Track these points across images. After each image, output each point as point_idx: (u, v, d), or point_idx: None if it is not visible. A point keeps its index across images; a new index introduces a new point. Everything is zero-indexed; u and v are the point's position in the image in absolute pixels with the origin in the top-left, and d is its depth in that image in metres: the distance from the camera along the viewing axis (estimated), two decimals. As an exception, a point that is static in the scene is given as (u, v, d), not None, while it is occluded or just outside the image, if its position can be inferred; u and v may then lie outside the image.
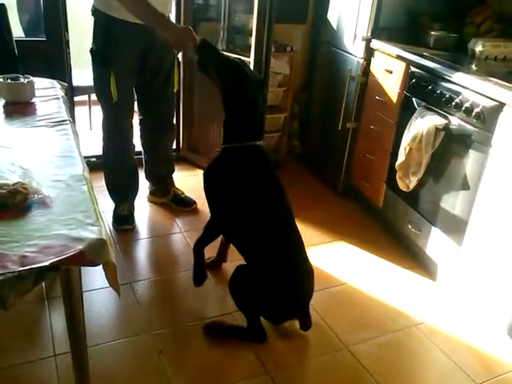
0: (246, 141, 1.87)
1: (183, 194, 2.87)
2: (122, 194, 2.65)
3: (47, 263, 1.04)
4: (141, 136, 2.70)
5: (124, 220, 2.60)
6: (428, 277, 2.41)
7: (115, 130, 2.50)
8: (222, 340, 1.93)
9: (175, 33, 2.08)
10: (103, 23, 2.24)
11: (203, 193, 1.99)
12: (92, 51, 2.31)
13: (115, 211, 2.63)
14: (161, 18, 2.08)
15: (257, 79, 1.98)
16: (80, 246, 1.10)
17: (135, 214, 2.69)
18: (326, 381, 1.80)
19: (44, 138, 1.68)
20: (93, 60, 2.33)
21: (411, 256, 2.54)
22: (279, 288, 1.83)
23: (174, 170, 2.89)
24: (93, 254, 1.10)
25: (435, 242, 2.34)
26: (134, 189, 2.68)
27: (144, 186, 2.86)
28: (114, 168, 2.58)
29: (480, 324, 2.10)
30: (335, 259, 2.49)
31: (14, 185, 1.29)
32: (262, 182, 1.91)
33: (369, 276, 2.39)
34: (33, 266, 1.04)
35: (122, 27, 2.21)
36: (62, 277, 1.26)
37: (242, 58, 2.82)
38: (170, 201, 2.84)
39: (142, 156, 2.78)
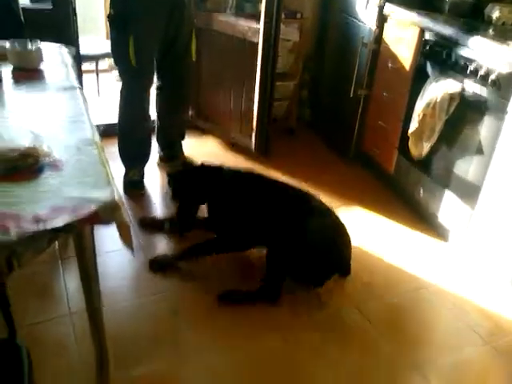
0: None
1: (191, 161, 2.86)
2: (135, 160, 2.65)
3: (61, 223, 1.04)
4: (156, 103, 2.70)
5: (135, 185, 2.61)
6: (440, 240, 2.42)
7: (133, 97, 2.48)
8: (236, 305, 1.94)
9: None
10: None
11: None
12: (110, 16, 2.29)
13: (126, 176, 2.62)
14: None
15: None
16: (93, 206, 1.09)
17: (145, 178, 2.69)
18: (335, 339, 1.82)
19: (53, 102, 1.67)
20: (111, 25, 2.32)
21: (423, 220, 2.54)
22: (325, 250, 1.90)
23: (184, 138, 2.90)
24: (106, 213, 1.09)
25: (447, 207, 2.33)
26: (146, 155, 2.68)
27: (154, 150, 2.84)
28: (129, 135, 2.57)
29: (491, 285, 2.11)
30: (347, 223, 2.47)
31: (24, 148, 1.29)
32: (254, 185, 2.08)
33: (380, 239, 2.40)
34: (47, 226, 1.04)
35: None
36: (76, 237, 1.27)
37: (252, 25, 2.81)
38: (159, 160, 2.86)
39: (156, 122, 2.77)
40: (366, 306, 1.97)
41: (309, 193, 2.07)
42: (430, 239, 2.43)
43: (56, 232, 1.04)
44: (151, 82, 2.51)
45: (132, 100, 2.47)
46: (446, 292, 2.08)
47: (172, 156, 2.85)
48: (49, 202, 1.12)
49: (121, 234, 1.14)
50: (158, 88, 2.64)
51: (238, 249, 2.13)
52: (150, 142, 2.68)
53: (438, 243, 2.40)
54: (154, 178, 2.79)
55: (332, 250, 1.93)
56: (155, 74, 2.55)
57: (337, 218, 2.03)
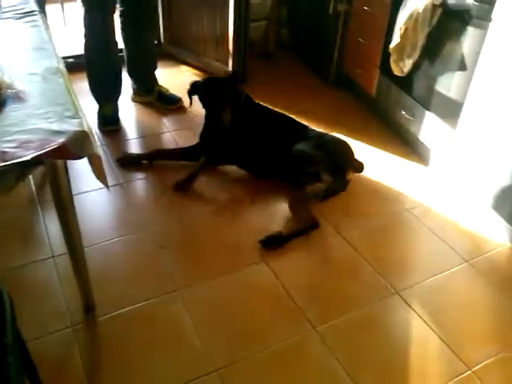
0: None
1: (168, 91, 2.77)
2: (106, 93, 2.54)
3: (28, 157, 1.00)
4: (122, 29, 2.54)
5: (109, 120, 2.52)
6: (421, 162, 2.42)
7: (96, 24, 2.33)
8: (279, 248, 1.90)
9: None
10: None
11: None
12: None
13: (99, 112, 2.53)
14: None
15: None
16: (61, 139, 1.05)
17: (120, 115, 2.60)
18: (322, 265, 1.85)
19: (12, 30, 1.57)
20: None
21: (404, 143, 2.52)
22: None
23: (156, 67, 2.76)
24: (75, 146, 1.05)
25: (429, 127, 2.31)
26: (117, 87, 2.57)
27: (127, 85, 2.74)
28: (97, 64, 2.44)
29: (472, 205, 2.14)
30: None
31: (-16, 80, 1.21)
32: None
33: (364, 164, 2.38)
34: (14, 161, 1.00)
35: None
36: (50, 176, 1.23)
37: None
38: (155, 99, 2.74)
39: (124, 52, 2.63)
40: (348, 229, 1.98)
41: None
42: (412, 162, 2.42)
43: (23, 167, 1.00)
44: (114, 6, 2.35)
45: (95, 27, 2.33)
46: (428, 214, 2.11)
47: (146, 88, 2.74)
48: (15, 137, 1.07)
49: (93, 167, 1.10)
50: (122, 13, 2.47)
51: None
52: (121, 74, 2.55)
53: (420, 166, 2.40)
54: (130, 114, 2.69)
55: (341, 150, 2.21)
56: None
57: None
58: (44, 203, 2.00)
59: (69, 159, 1.08)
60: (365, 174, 2.28)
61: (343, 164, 2.17)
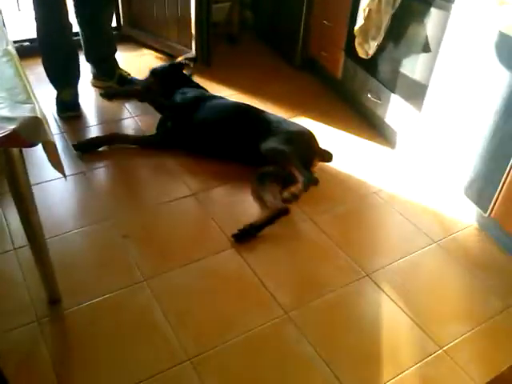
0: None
1: (129, 75, 2.68)
2: (63, 77, 2.43)
3: (-23, 146, 0.93)
4: (75, 10, 2.41)
5: (68, 106, 2.41)
6: (387, 145, 2.42)
7: (47, 5, 2.21)
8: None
9: None
10: None
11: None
12: None
13: (58, 98, 2.42)
14: None
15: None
16: (12, 126, 0.98)
17: (80, 100, 2.49)
18: (292, 250, 1.84)
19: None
20: None
21: (371, 126, 2.52)
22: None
23: (115, 50, 2.66)
24: (28, 133, 0.98)
25: (395, 110, 2.31)
26: (75, 71, 2.46)
27: (86, 70, 2.63)
28: (51, 47, 2.33)
29: (438, 187, 2.16)
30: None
31: None
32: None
33: (327, 148, 2.34)
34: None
35: None
36: (5, 166, 1.15)
37: None
38: (116, 84, 2.64)
39: (80, 35, 2.51)
40: (318, 214, 1.97)
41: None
42: (379, 146, 2.42)
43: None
44: None
45: (47, 8, 2.21)
46: (396, 197, 2.11)
47: (106, 73, 2.64)
48: (-38, 124, 0.99)
49: (48, 155, 1.04)
50: None
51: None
52: (78, 57, 2.44)
53: (387, 149, 2.40)
54: (90, 99, 2.59)
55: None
56: None
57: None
58: (3, 194, 1.89)
59: (21, 147, 1.01)
60: (333, 157, 2.27)
61: (311, 156, 2.12)
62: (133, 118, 2.47)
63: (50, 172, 1.89)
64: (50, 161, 1.06)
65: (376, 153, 2.38)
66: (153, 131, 2.31)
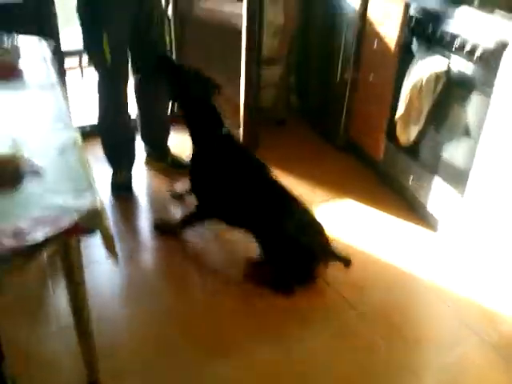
0: (211, 134, 2.14)
1: (180, 158, 2.83)
2: (120, 160, 2.60)
3: (41, 237, 1.02)
4: (136, 98, 2.64)
5: (122, 188, 2.56)
6: (429, 228, 2.40)
7: (111, 94, 2.42)
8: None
9: None
10: None
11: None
12: (80, 11, 2.21)
13: (113, 178, 2.58)
14: None
15: (205, 82, 2.23)
16: (74, 216, 1.07)
17: (133, 180, 2.64)
18: (331, 337, 1.81)
19: (33, 102, 1.63)
20: (81, 21, 2.23)
21: (412, 209, 2.52)
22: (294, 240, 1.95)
23: (169, 133, 2.83)
24: (87, 223, 1.08)
25: (437, 194, 2.32)
26: (131, 154, 2.63)
27: (141, 151, 2.80)
28: (111, 132, 2.52)
29: (483, 278, 2.09)
30: (338, 216, 2.47)
31: (4, 156, 1.26)
32: (242, 161, 2.13)
33: (372, 233, 2.38)
34: (27, 242, 1.02)
35: None
36: (62, 253, 1.24)
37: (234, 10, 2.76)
38: (169, 165, 2.79)
39: (138, 120, 2.72)
40: (360, 303, 1.95)
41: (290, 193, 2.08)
42: (421, 229, 2.40)
43: (36, 246, 1.02)
44: (127, 74, 2.44)
45: (109, 95, 2.42)
46: (440, 287, 2.06)
47: (160, 155, 2.80)
48: (30, 213, 1.10)
49: (104, 243, 1.12)
50: (136, 82, 2.58)
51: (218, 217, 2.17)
52: (134, 141, 2.62)
53: (429, 233, 2.38)
54: (142, 179, 2.74)
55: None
56: (131, 67, 2.50)
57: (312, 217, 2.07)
58: (55, 274, 1.98)
59: (81, 236, 1.10)
60: (375, 242, 2.28)
61: (317, 254, 2.00)
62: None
63: (100, 252, 2.00)
64: (105, 247, 1.14)
65: (419, 237, 2.36)
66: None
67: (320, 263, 2.00)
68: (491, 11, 1.97)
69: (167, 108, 2.80)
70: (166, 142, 2.83)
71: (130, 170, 2.64)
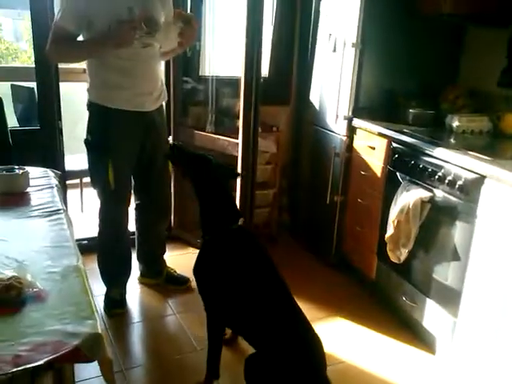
0: (225, 226, 1.93)
1: (175, 272, 2.87)
2: (115, 278, 2.63)
3: (41, 362, 1.03)
4: (136, 220, 2.73)
5: (116, 304, 2.57)
6: (427, 350, 2.37)
7: (112, 218, 2.51)
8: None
9: (112, 35, 2.09)
10: (100, 115, 2.30)
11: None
12: (87, 142, 2.36)
13: (107, 295, 2.59)
14: (92, 42, 2.17)
15: (225, 168, 2.06)
16: (75, 342, 1.08)
17: (127, 296, 2.66)
18: None
19: (38, 228, 1.70)
20: (89, 151, 2.38)
21: (408, 329, 2.51)
22: (294, 367, 1.76)
23: (165, 251, 2.90)
24: (88, 349, 1.08)
25: (431, 314, 2.33)
26: (127, 273, 2.67)
27: (135, 267, 2.84)
28: (109, 254, 2.57)
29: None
30: (331, 336, 2.44)
31: (8, 279, 1.29)
32: (254, 263, 1.92)
33: (367, 353, 2.34)
34: (27, 366, 1.02)
35: (119, 117, 2.29)
36: (55, 372, 1.23)
37: (231, 139, 3.00)
38: (164, 281, 2.82)
39: (136, 239, 2.79)
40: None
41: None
42: (417, 351, 2.37)
43: (36, 371, 1.02)
44: (129, 200, 2.55)
45: (111, 219, 2.50)
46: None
47: (155, 271, 2.84)
48: (30, 339, 1.11)
49: (102, 370, 1.12)
50: (137, 206, 2.69)
51: (229, 322, 1.99)
52: (131, 261, 2.68)
53: (426, 354, 2.35)
54: (135, 295, 2.75)
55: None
56: (133, 192, 2.62)
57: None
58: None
59: (81, 362, 1.10)
60: (371, 364, 2.24)
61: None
62: (175, 315, 2.57)
63: (92, 370, 1.98)
64: (102, 374, 1.13)
65: (416, 359, 2.32)
66: (194, 328, 2.38)
67: None
68: (465, 153, 2.16)
69: (165, 229, 2.88)
70: (162, 260, 2.87)
71: (125, 287, 2.66)
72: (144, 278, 2.86)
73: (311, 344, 1.85)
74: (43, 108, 2.88)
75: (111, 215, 2.49)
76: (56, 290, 1.32)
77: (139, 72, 2.28)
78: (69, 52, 2.24)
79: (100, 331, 1.13)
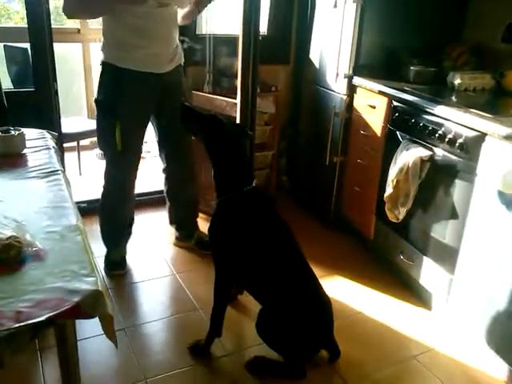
0: (239, 188, 1.91)
1: (207, 236, 2.85)
2: (116, 240, 2.64)
3: (43, 318, 1.04)
4: (165, 184, 2.73)
5: (116, 265, 2.59)
6: (423, 307, 2.42)
7: (116, 181, 2.48)
8: (264, 376, 1.91)
9: None
10: (112, 75, 2.27)
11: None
12: (97, 101, 2.33)
13: (107, 256, 2.61)
14: None
15: (237, 127, 2.04)
16: (76, 299, 1.09)
17: (127, 257, 2.67)
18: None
19: (36, 189, 1.69)
20: (98, 110, 2.35)
21: (406, 286, 2.55)
22: (306, 322, 1.87)
23: (197, 215, 2.88)
24: (89, 306, 1.09)
25: (428, 272, 2.36)
26: (128, 235, 2.68)
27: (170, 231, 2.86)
28: (111, 216, 2.56)
29: (477, 351, 2.10)
30: (330, 295, 2.47)
31: (7, 239, 1.29)
32: (268, 224, 1.93)
33: (365, 310, 2.39)
34: (28, 322, 1.03)
35: (132, 77, 2.25)
36: (57, 329, 1.25)
37: (229, 99, 2.95)
38: (194, 244, 2.82)
39: (166, 203, 2.79)
40: (358, 380, 1.94)
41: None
42: (415, 307, 2.42)
43: (37, 327, 1.03)
44: (137, 164, 2.50)
45: (116, 182, 2.48)
46: (435, 361, 2.07)
47: (185, 234, 2.84)
48: (31, 296, 1.12)
49: (103, 326, 1.13)
50: (164, 170, 2.68)
51: (238, 280, 2.05)
52: (133, 222, 2.67)
53: (423, 310, 2.40)
54: (135, 256, 2.74)
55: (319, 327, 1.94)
56: (159, 155, 2.63)
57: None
58: (44, 349, 1.98)
59: (81, 318, 1.11)
60: (368, 320, 2.29)
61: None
62: (175, 276, 2.60)
63: (92, 329, 2.01)
64: (104, 331, 1.15)
65: (413, 315, 2.37)
66: (194, 288, 2.42)
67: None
68: (467, 110, 2.13)
69: (195, 192, 2.81)
70: (193, 223, 2.86)
71: (125, 248, 2.67)
72: (176, 241, 2.87)
73: (322, 302, 1.94)
74: (37, 69, 2.82)
75: (116, 178, 2.47)
76: (56, 248, 1.32)
77: (154, 32, 2.24)
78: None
79: (100, 288, 1.14)
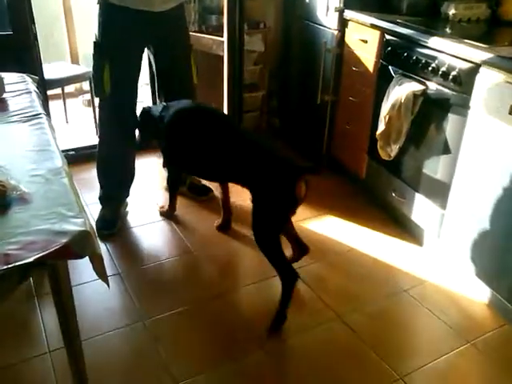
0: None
1: (200, 182, 2.81)
2: (114, 196, 2.56)
3: (31, 259, 1.03)
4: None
5: (106, 225, 2.46)
6: (415, 243, 2.45)
7: (110, 126, 2.41)
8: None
9: None
10: (105, 12, 2.18)
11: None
12: (94, 43, 2.25)
13: (100, 212, 2.51)
14: None
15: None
16: (64, 240, 1.08)
17: (119, 220, 2.54)
18: (324, 353, 1.82)
19: (19, 133, 1.64)
20: (93, 51, 2.27)
21: (397, 224, 2.57)
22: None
23: None
24: (78, 246, 1.08)
25: (420, 208, 2.37)
26: (126, 192, 2.61)
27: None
28: (107, 166, 2.49)
29: (468, 285, 2.15)
30: (322, 233, 2.51)
31: (-10, 183, 1.27)
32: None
33: (357, 247, 2.41)
34: (17, 264, 1.02)
35: (124, 15, 2.16)
36: (50, 272, 1.25)
37: (216, 37, 2.84)
38: (187, 189, 2.78)
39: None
40: (348, 315, 1.98)
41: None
42: (406, 243, 2.45)
43: (27, 269, 1.03)
44: (131, 111, 2.41)
45: (111, 130, 2.41)
46: (426, 295, 2.11)
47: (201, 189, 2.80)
48: (19, 238, 1.10)
49: (94, 266, 1.13)
50: None
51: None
52: (131, 179, 2.59)
53: (414, 246, 2.43)
54: (130, 202, 2.70)
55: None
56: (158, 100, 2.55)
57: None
58: (43, 295, 2.00)
59: (71, 259, 1.11)
60: (360, 256, 2.32)
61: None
62: (167, 220, 2.61)
63: (87, 274, 2.03)
64: (95, 271, 1.15)
65: (404, 250, 2.41)
66: (188, 232, 2.43)
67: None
68: (461, 41, 2.06)
69: None
70: None
71: (120, 207, 2.58)
72: (191, 194, 2.80)
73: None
74: (14, 11, 2.68)
75: (109, 123, 2.39)
76: (41, 192, 1.29)
77: None
78: None
79: (88, 228, 1.13)
